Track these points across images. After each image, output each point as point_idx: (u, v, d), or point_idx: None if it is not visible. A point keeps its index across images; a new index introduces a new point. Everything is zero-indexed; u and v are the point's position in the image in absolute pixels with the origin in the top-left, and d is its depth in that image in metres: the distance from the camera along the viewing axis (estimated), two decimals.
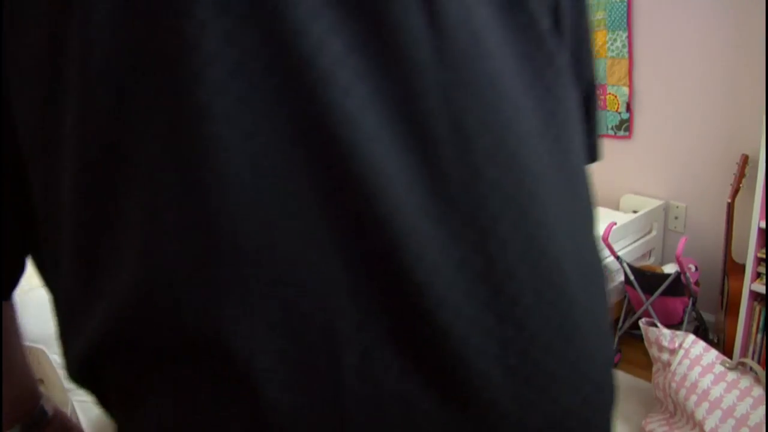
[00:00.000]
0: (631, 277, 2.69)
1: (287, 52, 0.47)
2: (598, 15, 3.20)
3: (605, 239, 2.62)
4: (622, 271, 2.74)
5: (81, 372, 0.56)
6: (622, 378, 2.73)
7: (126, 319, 0.51)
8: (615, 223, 2.70)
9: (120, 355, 0.53)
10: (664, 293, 2.64)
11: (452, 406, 0.53)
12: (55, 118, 0.50)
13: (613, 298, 2.90)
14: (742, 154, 2.65)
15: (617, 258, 2.70)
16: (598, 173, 3.32)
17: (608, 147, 3.32)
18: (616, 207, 3.30)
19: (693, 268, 2.74)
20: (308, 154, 0.48)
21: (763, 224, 2.41)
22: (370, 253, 0.50)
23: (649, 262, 3.08)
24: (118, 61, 0.47)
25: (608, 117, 3.33)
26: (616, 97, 3.26)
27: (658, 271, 2.82)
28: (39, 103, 0.50)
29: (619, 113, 3.26)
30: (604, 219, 2.86)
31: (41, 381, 1.83)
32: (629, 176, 3.28)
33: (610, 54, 3.24)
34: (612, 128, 3.33)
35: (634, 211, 3.11)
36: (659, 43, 2.96)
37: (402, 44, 0.50)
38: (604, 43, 3.27)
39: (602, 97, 3.31)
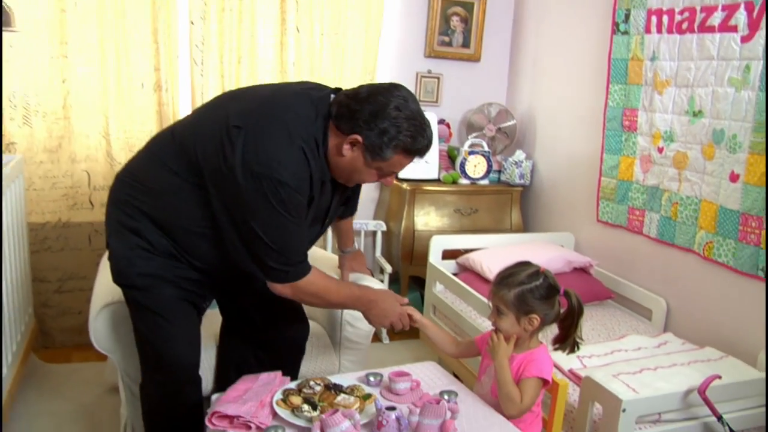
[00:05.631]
0: None
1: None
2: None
3: (702, 392, 2.43)
4: None
5: None
6: None
7: None
8: (718, 377, 2.50)
9: None
10: None
11: None
12: None
13: None
14: None
15: (719, 419, 2.47)
16: (735, 319, 3.04)
17: (752, 290, 2.98)
18: (752, 362, 2.90)
19: None
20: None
21: None
22: None
23: None
24: None
25: (760, 255, 2.90)
26: None
27: None
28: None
29: None
30: (729, 372, 2.66)
31: None
32: None
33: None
34: (762, 269, 2.90)
35: None
36: None
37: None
38: None
39: (757, 231, 2.93)
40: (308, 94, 2.19)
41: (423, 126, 2.12)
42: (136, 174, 2.31)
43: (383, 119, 2.05)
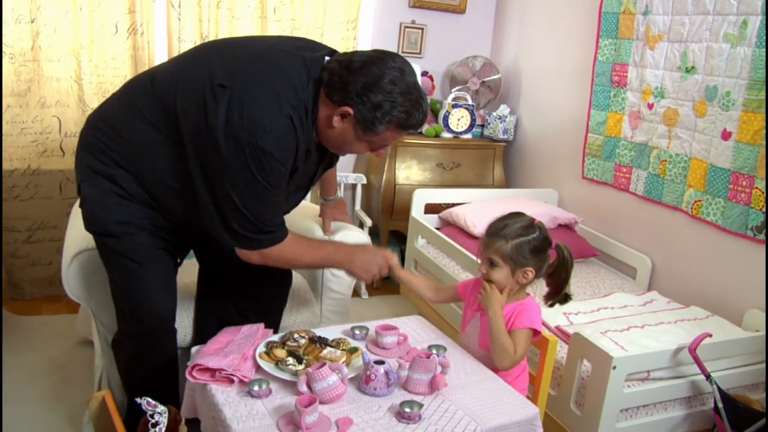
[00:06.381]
0: (719, 405, 2.43)
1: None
2: (760, 95, 2.75)
3: (692, 350, 2.41)
4: (712, 395, 2.52)
5: None
6: None
7: None
8: (709, 335, 2.47)
9: None
10: None
11: None
12: None
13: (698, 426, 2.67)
14: None
15: (707, 377, 2.46)
16: (722, 279, 3.00)
17: (740, 249, 2.92)
18: (738, 322, 2.87)
19: None
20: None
21: None
22: None
23: (757, 396, 2.69)
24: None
25: (750, 214, 2.83)
26: (763, 193, 2.76)
27: (756, 406, 2.49)
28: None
29: (763, 213, 2.78)
30: (716, 331, 2.64)
31: None
32: (759, 288, 2.83)
33: (765, 142, 2.75)
34: (751, 228, 2.83)
35: (758, 331, 2.74)
36: None
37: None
38: (761, 128, 2.76)
39: (748, 190, 2.83)
40: (301, 54, 2.06)
41: (419, 100, 2.01)
42: (110, 121, 2.19)
43: (377, 93, 1.94)
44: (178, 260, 2.43)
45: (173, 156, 2.09)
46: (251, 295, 2.53)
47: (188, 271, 2.63)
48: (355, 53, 2.03)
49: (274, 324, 2.58)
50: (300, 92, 1.99)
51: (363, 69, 1.95)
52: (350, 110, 1.97)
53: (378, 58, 1.98)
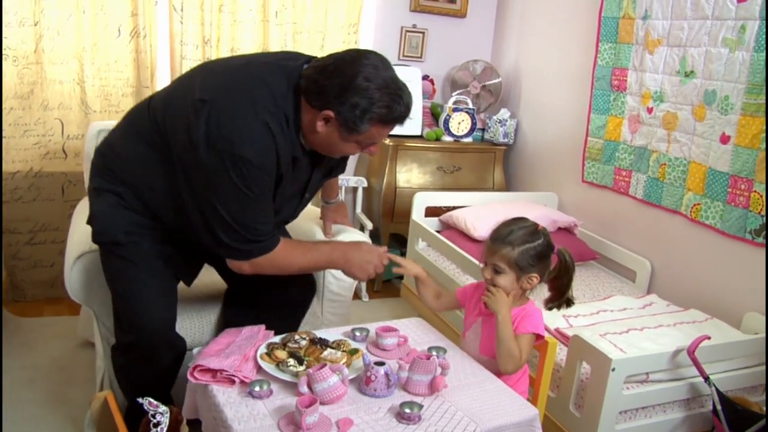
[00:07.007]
0: (718, 407, 2.44)
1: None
2: (759, 99, 2.76)
3: (691, 352, 2.42)
4: (710, 397, 2.52)
5: None
6: None
7: None
8: (708, 338, 2.50)
9: None
10: None
11: None
12: None
13: (697, 428, 2.68)
14: None
15: (706, 379, 2.47)
16: (721, 282, 3.00)
17: (739, 253, 2.92)
18: (736, 325, 2.88)
19: None
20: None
21: None
22: None
23: (756, 398, 2.70)
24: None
25: (748, 218, 2.84)
26: (761, 196, 2.77)
27: (755, 408, 2.50)
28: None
29: (762, 216, 2.78)
30: (714, 334, 2.65)
31: None
32: (758, 291, 2.84)
33: (762, 145, 2.76)
34: (750, 232, 2.84)
35: (757, 333, 2.75)
36: None
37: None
38: (760, 132, 2.76)
39: (746, 193, 2.84)
40: (281, 65, 2.08)
41: (398, 92, 2.00)
42: (113, 145, 2.26)
43: (353, 93, 1.95)
44: (188, 281, 2.46)
45: (169, 175, 2.12)
46: (274, 304, 2.53)
47: (215, 283, 2.68)
48: (329, 56, 2.04)
49: (293, 327, 2.59)
50: (279, 100, 2.01)
51: (337, 71, 1.97)
52: (331, 114, 1.98)
53: (351, 58, 1.99)
